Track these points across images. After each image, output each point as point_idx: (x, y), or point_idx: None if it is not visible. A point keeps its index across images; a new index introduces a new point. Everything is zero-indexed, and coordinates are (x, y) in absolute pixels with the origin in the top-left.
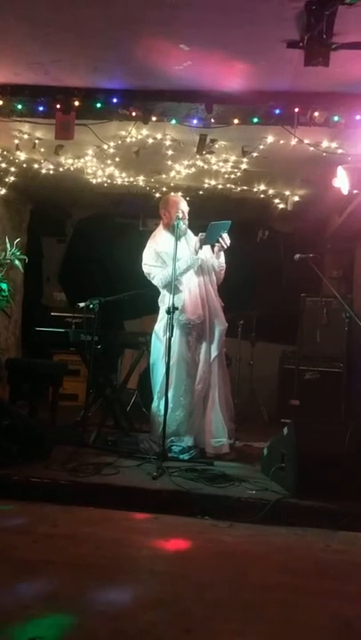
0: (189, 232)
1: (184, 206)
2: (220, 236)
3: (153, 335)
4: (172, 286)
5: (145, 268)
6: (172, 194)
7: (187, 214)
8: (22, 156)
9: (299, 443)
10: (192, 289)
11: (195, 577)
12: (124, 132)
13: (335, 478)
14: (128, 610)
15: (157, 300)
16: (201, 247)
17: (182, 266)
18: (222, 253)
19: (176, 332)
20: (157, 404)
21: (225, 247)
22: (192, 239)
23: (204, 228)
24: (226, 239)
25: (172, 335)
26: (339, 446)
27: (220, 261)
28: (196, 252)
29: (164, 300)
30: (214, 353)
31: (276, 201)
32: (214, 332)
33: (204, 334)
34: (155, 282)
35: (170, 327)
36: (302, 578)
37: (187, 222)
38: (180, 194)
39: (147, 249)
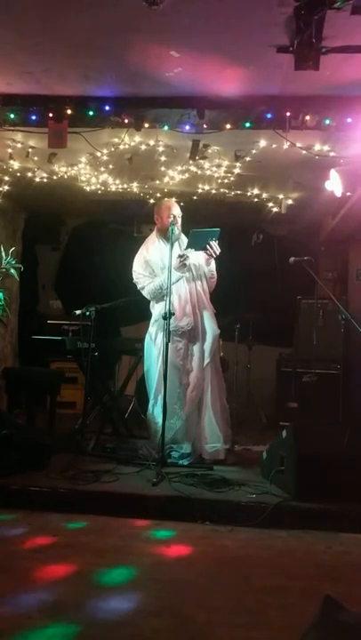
0: (183, 237)
1: (176, 210)
2: (209, 244)
3: (146, 339)
4: (168, 294)
5: (134, 275)
6: (166, 199)
7: (179, 218)
8: (16, 164)
9: (298, 445)
10: (182, 295)
11: (197, 583)
12: (116, 139)
13: (335, 480)
14: (131, 618)
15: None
16: (182, 262)
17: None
18: (213, 261)
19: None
20: (152, 411)
21: (215, 256)
22: (185, 244)
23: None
24: (215, 247)
25: (169, 341)
26: (338, 448)
27: (210, 268)
28: (179, 267)
29: (155, 306)
30: (207, 360)
31: (270, 204)
32: (206, 339)
33: (196, 341)
34: (143, 293)
35: (166, 332)
36: (304, 581)
37: (179, 226)
38: (173, 199)
39: (137, 255)
